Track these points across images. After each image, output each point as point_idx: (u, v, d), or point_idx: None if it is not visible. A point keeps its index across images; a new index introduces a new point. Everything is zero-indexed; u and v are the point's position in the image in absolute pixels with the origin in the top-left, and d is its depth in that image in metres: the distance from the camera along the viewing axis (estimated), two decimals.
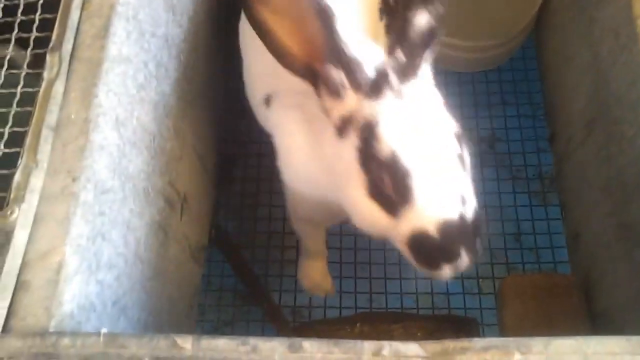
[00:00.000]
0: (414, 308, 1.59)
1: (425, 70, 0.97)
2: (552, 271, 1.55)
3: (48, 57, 1.05)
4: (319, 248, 1.57)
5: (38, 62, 1.08)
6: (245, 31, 1.35)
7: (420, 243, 0.90)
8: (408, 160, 0.89)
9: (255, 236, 1.75)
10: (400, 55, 0.94)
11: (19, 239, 0.90)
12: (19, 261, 0.89)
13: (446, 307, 1.59)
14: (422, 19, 0.93)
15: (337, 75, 0.92)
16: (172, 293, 1.35)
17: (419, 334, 1.29)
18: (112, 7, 1.11)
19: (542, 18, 1.74)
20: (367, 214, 0.95)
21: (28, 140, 0.98)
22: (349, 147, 0.95)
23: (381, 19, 1.46)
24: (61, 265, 0.89)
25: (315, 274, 1.59)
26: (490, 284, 1.62)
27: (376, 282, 1.63)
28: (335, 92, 0.94)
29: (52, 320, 0.85)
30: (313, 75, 0.95)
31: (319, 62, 0.93)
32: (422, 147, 0.90)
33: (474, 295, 1.60)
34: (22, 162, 0.95)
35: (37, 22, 1.12)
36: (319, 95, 0.97)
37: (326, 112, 0.98)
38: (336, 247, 1.67)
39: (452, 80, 1.85)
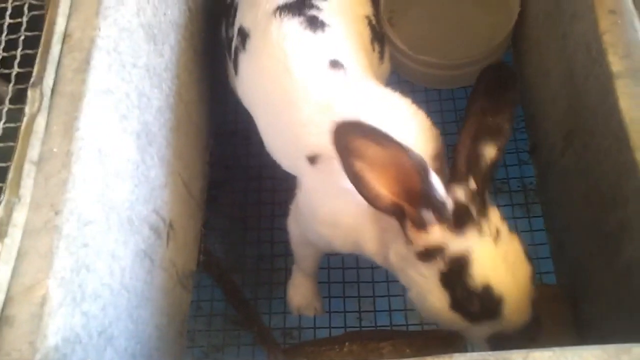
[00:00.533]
0: (403, 324, 1.60)
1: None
2: (537, 282, 1.56)
3: (29, 92, 1.07)
4: (312, 269, 1.59)
5: (20, 97, 1.10)
6: (267, 86, 1.36)
7: (498, 340, 1.04)
8: (499, 288, 1.01)
9: (244, 260, 1.76)
10: (473, 185, 1.05)
11: (3, 274, 0.90)
12: (3, 296, 0.89)
13: (434, 324, 1.59)
14: (491, 153, 1.07)
15: (427, 214, 1.02)
16: (160, 320, 1.35)
17: (407, 350, 1.29)
18: (92, 41, 1.13)
19: (518, 34, 1.78)
20: (443, 318, 1.08)
21: (10, 175, 0.99)
22: (433, 270, 1.05)
23: (373, 49, 1.50)
24: (45, 299, 0.89)
25: (306, 293, 1.60)
26: None
27: (365, 301, 1.64)
28: (422, 227, 1.04)
29: (36, 354, 0.85)
30: (399, 212, 1.04)
31: (408, 203, 1.02)
32: (508, 275, 1.02)
33: None
34: (4, 197, 0.96)
35: (18, 57, 1.14)
36: (403, 227, 1.06)
37: (408, 240, 1.06)
38: (324, 267, 1.68)
39: (433, 97, 1.88)
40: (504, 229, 1.07)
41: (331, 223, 1.24)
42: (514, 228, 1.67)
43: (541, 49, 1.61)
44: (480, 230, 1.03)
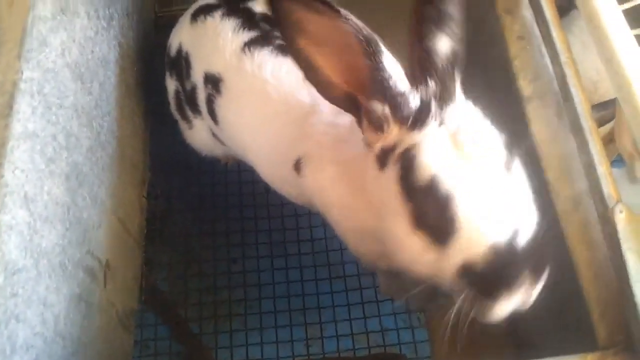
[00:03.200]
0: (351, 349, 1.61)
1: (459, 92, 0.95)
2: None
3: None
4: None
5: None
6: (244, 118, 1.34)
7: (472, 273, 0.84)
8: (449, 183, 0.84)
9: (187, 294, 1.73)
10: (433, 84, 0.91)
11: None
12: None
13: (382, 345, 1.62)
14: (443, 45, 0.91)
15: (381, 110, 0.91)
16: None
17: None
18: (14, 84, 1.10)
19: None
20: (413, 248, 0.90)
21: None
22: (391, 178, 0.92)
23: None
24: None
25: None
26: (423, 317, 1.66)
27: (312, 328, 1.65)
28: (379, 126, 0.93)
29: None
30: (355, 106, 0.94)
31: (362, 94, 0.92)
32: (465, 168, 0.85)
33: (408, 329, 1.64)
34: None
35: None
36: (360, 126, 0.96)
37: (367, 143, 0.98)
38: (269, 297, 1.68)
39: None
40: (472, 123, 0.91)
41: (347, 212, 1.16)
42: None
43: (466, 74, 1.68)
44: (439, 124, 0.90)
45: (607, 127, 1.39)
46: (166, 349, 1.63)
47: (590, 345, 0.94)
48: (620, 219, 0.94)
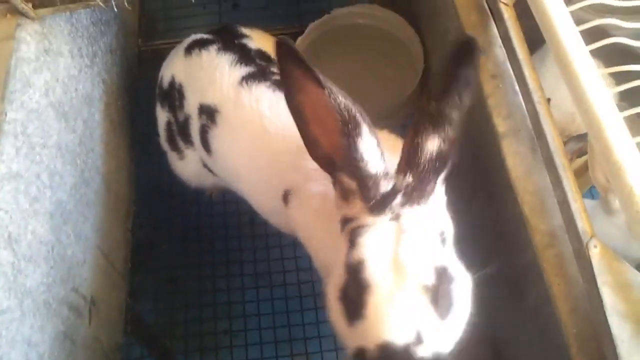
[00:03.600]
0: None
1: (438, 193, 0.96)
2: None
3: None
4: None
5: None
6: (239, 147, 1.37)
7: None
8: (372, 274, 0.87)
9: (173, 325, 1.73)
10: (409, 179, 0.93)
11: None
12: None
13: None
14: (432, 145, 0.92)
15: (350, 184, 0.95)
16: None
17: None
18: None
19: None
20: (333, 313, 0.94)
21: None
22: (344, 244, 0.95)
23: None
24: None
25: None
26: None
27: (298, 359, 1.65)
28: (345, 197, 0.97)
29: None
30: (333, 169, 0.98)
31: (339, 161, 0.95)
32: (391, 269, 0.87)
33: None
34: None
35: None
36: (333, 186, 1.01)
37: (336, 204, 1.01)
38: (255, 329, 1.68)
39: None
40: (426, 236, 0.92)
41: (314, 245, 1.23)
42: None
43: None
44: (393, 218, 0.92)
45: (585, 158, 1.43)
46: None
47: None
48: (595, 253, 0.97)
